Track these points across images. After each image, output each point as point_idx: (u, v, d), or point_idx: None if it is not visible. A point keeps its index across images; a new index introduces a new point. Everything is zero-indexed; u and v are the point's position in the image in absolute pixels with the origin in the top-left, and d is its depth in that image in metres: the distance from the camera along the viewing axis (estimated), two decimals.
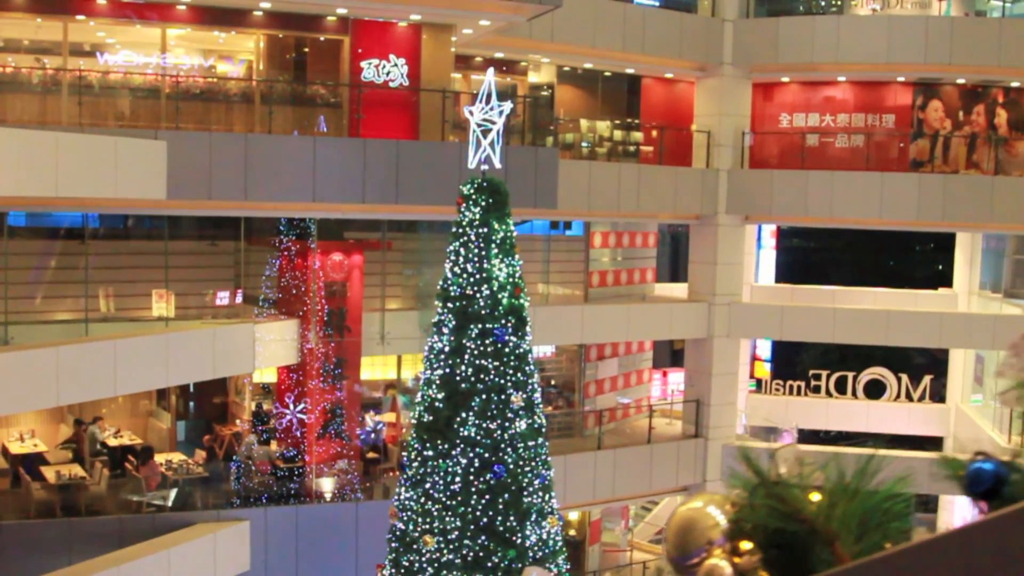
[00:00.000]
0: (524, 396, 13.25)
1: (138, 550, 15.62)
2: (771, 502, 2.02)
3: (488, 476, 12.95)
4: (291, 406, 18.62)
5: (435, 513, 13.08)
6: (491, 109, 13.86)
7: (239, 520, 17.15)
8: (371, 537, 16.56)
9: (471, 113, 13.97)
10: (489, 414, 13.05)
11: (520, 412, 13.19)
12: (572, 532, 23.51)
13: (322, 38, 18.98)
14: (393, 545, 13.58)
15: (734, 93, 23.72)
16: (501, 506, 12.94)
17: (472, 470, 12.98)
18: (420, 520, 13.19)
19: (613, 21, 21.70)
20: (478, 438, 13.01)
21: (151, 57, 18.22)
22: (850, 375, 26.68)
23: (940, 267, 32.72)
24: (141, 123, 17.57)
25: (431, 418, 13.28)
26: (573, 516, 23.52)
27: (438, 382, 13.27)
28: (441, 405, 13.20)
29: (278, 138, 17.42)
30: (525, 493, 13.09)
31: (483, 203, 13.32)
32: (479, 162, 13.80)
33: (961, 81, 23.99)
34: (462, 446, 13.03)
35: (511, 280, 13.33)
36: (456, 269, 13.32)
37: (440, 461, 13.09)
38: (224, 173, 16.31)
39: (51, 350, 14.67)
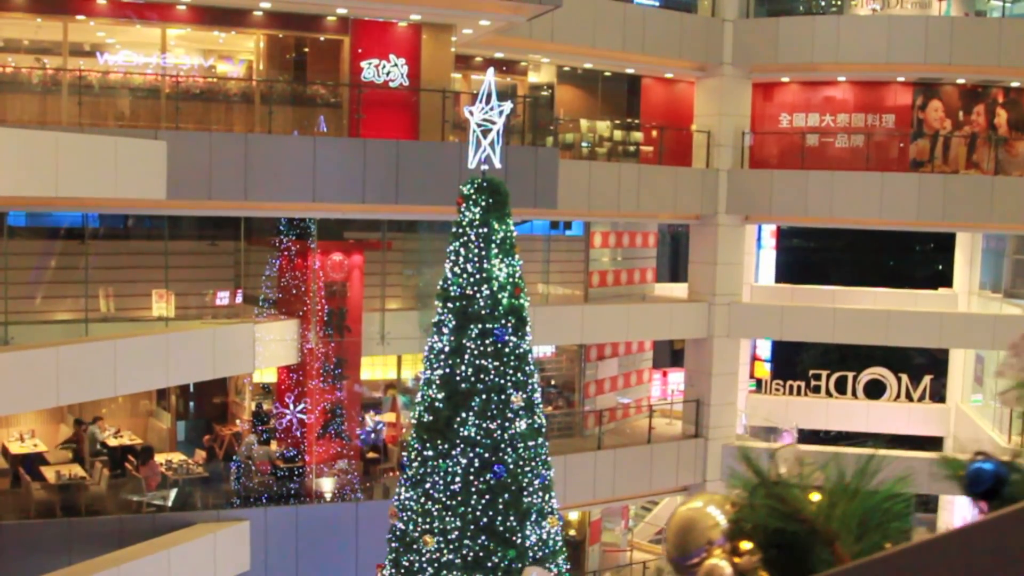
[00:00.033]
0: (524, 396, 13.25)
1: (138, 550, 15.61)
2: (771, 502, 2.02)
3: (488, 476, 12.95)
4: (291, 406, 18.62)
5: (435, 513, 13.08)
6: (491, 109, 13.86)
7: (239, 520, 17.15)
8: (371, 537, 16.55)
9: (471, 113, 13.97)
10: (489, 414, 13.05)
11: (520, 412, 13.19)
12: (572, 532, 23.51)
13: (322, 38, 18.98)
14: (393, 545, 13.58)
15: (734, 93, 23.72)
16: (501, 506, 12.94)
17: (472, 470, 12.98)
18: (420, 520, 13.20)
19: (613, 21, 21.70)
20: (478, 438, 13.01)
21: (151, 57, 18.22)
22: (850, 375, 26.68)
23: (940, 267, 32.73)
24: (141, 123, 17.57)
25: (431, 418, 13.28)
26: (573, 516, 23.52)
27: (438, 382, 13.27)
28: (441, 405, 13.20)
29: (278, 138, 17.42)
30: (525, 493, 13.09)
31: (483, 203, 13.32)
32: (479, 162, 13.80)
33: (961, 81, 23.99)
34: (462, 446, 13.03)
35: (511, 280, 13.33)
36: (456, 269, 13.32)
37: (440, 461, 13.09)
38: (224, 173, 16.30)
39: (51, 350, 14.67)
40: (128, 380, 16.08)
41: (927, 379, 26.67)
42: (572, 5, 19.61)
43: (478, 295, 13.17)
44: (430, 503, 13.15)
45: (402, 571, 13.35)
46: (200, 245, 20.27)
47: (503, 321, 13.16)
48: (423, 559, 13.10)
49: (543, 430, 13.64)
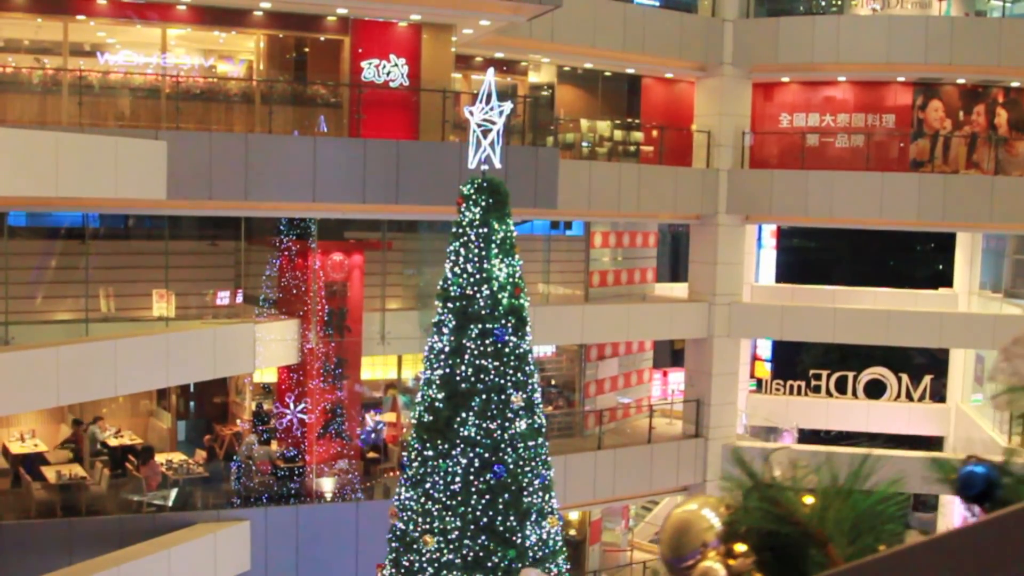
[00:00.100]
0: (524, 396, 13.25)
1: (138, 550, 15.62)
2: (765, 505, 2.03)
3: (488, 476, 12.95)
4: (291, 406, 18.63)
5: (435, 513, 13.09)
6: (491, 109, 13.87)
7: (239, 520, 17.16)
8: (371, 537, 16.56)
9: (471, 113, 13.97)
10: (489, 414, 13.06)
11: (520, 412, 13.19)
12: (572, 532, 23.51)
13: (322, 38, 18.98)
14: (393, 545, 13.59)
15: (734, 93, 23.72)
16: (501, 506, 12.94)
17: (472, 470, 12.99)
18: (420, 520, 13.20)
19: (613, 21, 21.69)
20: (478, 438, 13.02)
21: (151, 57, 18.23)
22: (850, 375, 26.68)
23: (940, 267, 32.73)
24: (141, 123, 17.58)
25: (431, 418, 13.28)
26: (573, 516, 23.52)
27: (438, 382, 13.28)
28: (441, 405, 13.21)
29: (278, 138, 17.43)
30: (525, 493, 13.10)
31: (483, 203, 13.32)
32: (479, 162, 13.80)
33: (961, 81, 23.99)
34: (462, 446, 13.03)
35: (511, 280, 13.33)
36: (456, 269, 13.33)
37: (440, 461, 13.10)
38: (224, 173, 16.31)
39: (51, 350, 14.68)
40: (128, 380, 16.09)
41: (927, 379, 26.67)
42: (572, 5, 19.62)
43: (478, 295, 13.17)
44: (430, 503, 13.16)
45: (402, 571, 13.36)
46: (200, 245, 20.29)
47: (503, 321, 13.17)
48: (423, 559, 13.11)
49: (543, 430, 13.64)
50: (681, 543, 2.13)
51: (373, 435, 19.78)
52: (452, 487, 13.02)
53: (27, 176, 13.84)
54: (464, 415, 13.07)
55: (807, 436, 27.23)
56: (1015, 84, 24.14)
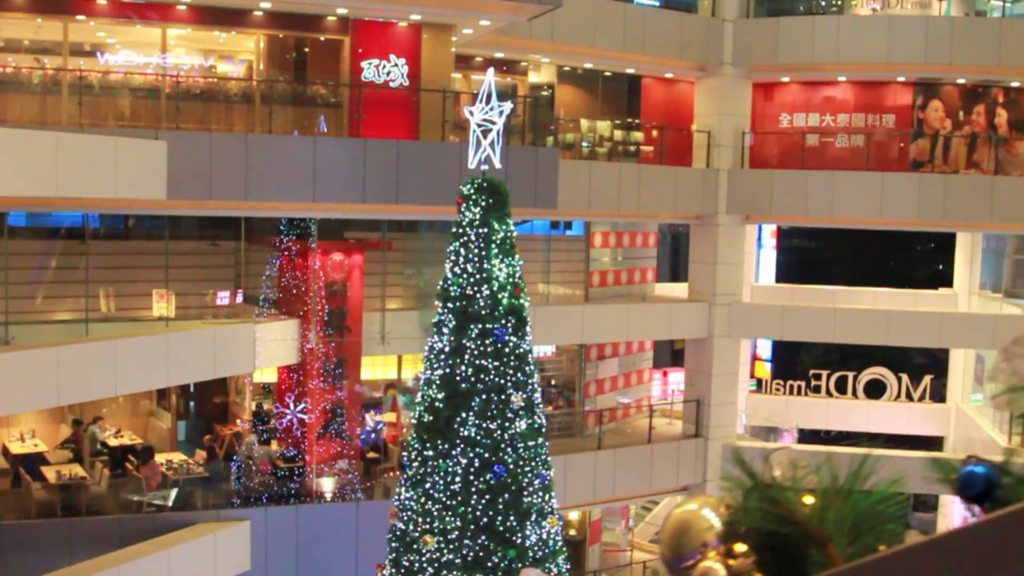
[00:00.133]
0: (524, 396, 13.26)
1: (138, 550, 15.63)
2: (765, 505, 2.03)
3: (488, 476, 12.95)
4: (291, 406, 18.64)
5: (435, 513, 13.09)
6: (491, 109, 13.87)
7: (239, 520, 17.16)
8: (371, 537, 16.57)
9: (471, 113, 13.97)
10: (489, 414, 13.06)
11: (520, 412, 13.19)
12: (572, 532, 23.52)
13: (322, 38, 18.99)
14: (393, 545, 13.59)
15: (734, 93, 23.73)
16: (501, 506, 12.95)
17: (472, 470, 12.99)
18: (420, 520, 13.20)
19: (613, 21, 21.70)
20: (478, 438, 13.02)
21: (151, 57, 18.23)
22: (850, 375, 26.68)
23: (940, 267, 32.74)
24: (141, 123, 17.58)
25: (431, 418, 13.29)
26: (573, 516, 23.53)
27: (438, 382, 13.28)
28: (441, 405, 13.21)
29: (278, 138, 17.43)
30: (525, 493, 13.10)
31: (483, 203, 13.32)
32: (479, 162, 13.80)
33: (961, 81, 23.99)
34: (462, 446, 13.04)
35: (511, 280, 13.34)
36: (456, 269, 13.33)
37: (440, 461, 13.10)
38: (224, 173, 16.31)
39: (51, 350, 14.68)
40: (128, 380, 16.10)
41: (927, 379, 26.68)
42: (572, 5, 19.62)
43: (478, 295, 13.18)
44: (430, 503, 13.16)
45: (402, 571, 13.36)
46: (200, 245, 20.29)
47: (503, 321, 13.17)
48: (423, 559, 13.12)
49: (543, 430, 13.65)
50: (681, 543, 2.13)
51: (373, 435, 19.78)
52: (452, 487, 13.02)
53: (27, 176, 13.84)
54: (464, 415, 13.07)
55: (807, 436, 27.23)
56: (1015, 84, 24.14)
